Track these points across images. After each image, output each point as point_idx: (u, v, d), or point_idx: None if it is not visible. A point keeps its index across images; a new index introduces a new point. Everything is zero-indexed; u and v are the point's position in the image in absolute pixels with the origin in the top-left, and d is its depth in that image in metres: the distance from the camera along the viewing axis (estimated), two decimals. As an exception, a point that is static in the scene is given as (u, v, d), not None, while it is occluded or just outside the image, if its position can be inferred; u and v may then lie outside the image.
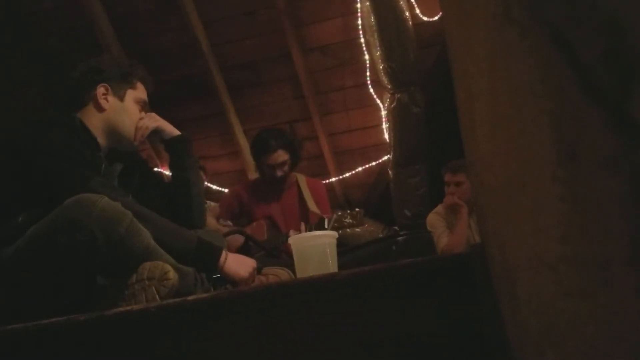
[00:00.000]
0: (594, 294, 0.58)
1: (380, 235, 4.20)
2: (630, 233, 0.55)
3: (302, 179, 3.41)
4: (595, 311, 0.58)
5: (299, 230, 3.07)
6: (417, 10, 4.26)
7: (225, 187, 4.96)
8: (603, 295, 0.57)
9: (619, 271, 0.56)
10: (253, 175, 4.95)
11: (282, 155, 3.21)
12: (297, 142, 3.35)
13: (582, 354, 0.60)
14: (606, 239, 0.57)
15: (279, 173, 3.24)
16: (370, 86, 4.58)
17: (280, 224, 3.26)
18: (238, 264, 1.75)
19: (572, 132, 0.58)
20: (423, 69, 4.14)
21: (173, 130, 1.97)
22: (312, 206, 3.25)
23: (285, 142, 3.23)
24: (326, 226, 2.87)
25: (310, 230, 2.97)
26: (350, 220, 2.87)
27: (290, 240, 1.62)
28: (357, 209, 2.97)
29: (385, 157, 4.43)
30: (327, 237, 1.60)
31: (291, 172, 3.33)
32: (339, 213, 2.94)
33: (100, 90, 1.86)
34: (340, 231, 2.77)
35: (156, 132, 1.94)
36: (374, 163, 4.97)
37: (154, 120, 1.94)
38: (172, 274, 1.49)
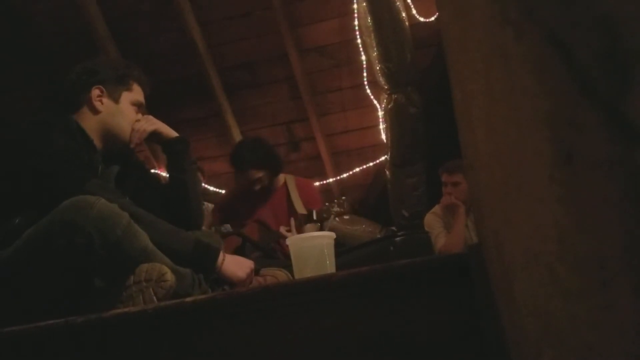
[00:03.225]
0: (591, 294, 0.58)
1: (378, 236, 4.20)
2: (627, 233, 0.56)
3: (291, 181, 3.43)
4: (593, 311, 0.58)
5: (289, 227, 3.09)
6: (414, 11, 4.26)
7: (222, 188, 4.95)
8: (600, 295, 0.57)
9: (616, 271, 0.56)
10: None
11: (255, 174, 3.26)
12: (274, 154, 3.38)
13: (580, 353, 0.60)
14: (603, 239, 0.57)
15: (256, 187, 3.29)
16: (367, 87, 4.58)
17: (271, 224, 3.28)
18: (236, 265, 1.75)
19: (568, 132, 0.58)
20: (420, 69, 4.15)
21: (171, 132, 1.96)
22: (299, 208, 3.26)
23: (259, 158, 3.27)
24: (314, 217, 2.89)
25: (300, 223, 3.00)
26: (337, 209, 2.90)
27: (288, 241, 1.62)
28: (342, 197, 3.01)
29: (383, 158, 4.43)
30: (324, 238, 1.59)
31: (273, 180, 3.36)
32: (327, 204, 2.98)
33: (95, 92, 1.85)
34: (329, 220, 2.80)
35: (154, 135, 1.94)
36: (371, 164, 4.97)
37: (152, 123, 1.93)
38: (170, 276, 1.49)
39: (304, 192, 3.38)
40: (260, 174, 3.26)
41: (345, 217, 3.10)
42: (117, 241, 1.48)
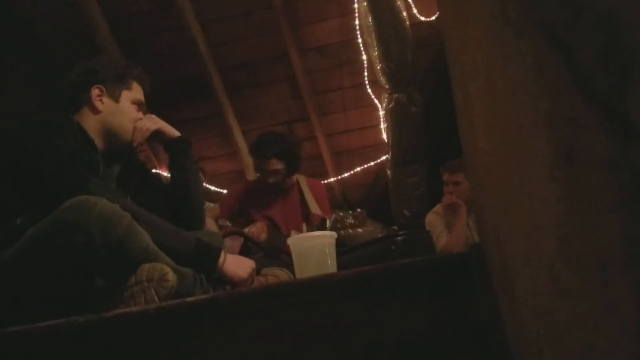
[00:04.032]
0: (592, 294, 0.58)
1: (379, 235, 4.20)
2: (627, 233, 0.56)
3: (302, 180, 3.42)
4: (593, 310, 0.58)
5: (300, 231, 3.08)
6: (415, 10, 4.26)
7: (223, 188, 4.96)
8: (601, 294, 0.58)
9: (617, 271, 0.56)
10: (251, 176, 4.96)
11: (275, 164, 3.23)
12: (297, 150, 3.35)
13: (580, 352, 0.60)
14: (603, 238, 0.57)
15: (271, 180, 3.26)
16: (368, 86, 4.58)
17: (281, 224, 3.27)
18: (237, 265, 1.75)
19: (568, 132, 0.58)
20: (421, 68, 4.15)
21: (173, 132, 1.96)
22: (314, 208, 3.25)
23: (283, 150, 3.24)
24: (328, 227, 2.88)
25: (312, 230, 2.99)
26: (352, 221, 2.89)
27: (289, 241, 1.62)
28: (359, 210, 2.99)
29: (384, 157, 4.43)
30: (326, 237, 1.59)
31: (288, 178, 3.34)
32: (341, 214, 2.96)
33: (95, 91, 1.85)
34: (342, 232, 2.78)
35: (156, 133, 1.94)
36: (372, 163, 4.98)
37: (154, 122, 1.93)
38: (171, 275, 1.49)
39: (314, 192, 3.38)
40: (279, 166, 3.24)
41: (359, 230, 3.09)
42: (119, 241, 1.48)
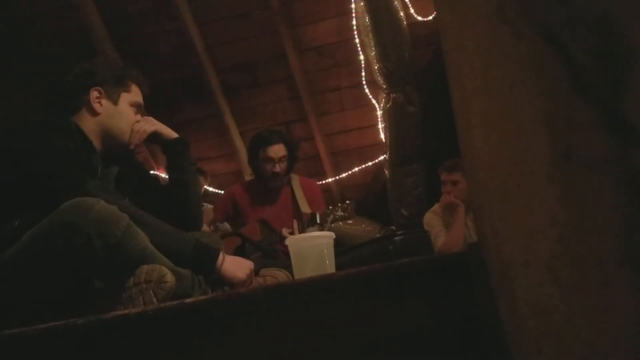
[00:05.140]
0: (590, 292, 0.58)
1: (377, 235, 4.20)
2: (626, 232, 0.56)
3: (295, 180, 3.42)
4: (591, 309, 0.58)
5: (291, 229, 3.08)
6: (412, 10, 4.26)
7: (221, 189, 4.95)
8: (599, 293, 0.58)
9: (614, 270, 0.56)
10: (249, 176, 4.96)
11: (282, 150, 3.26)
12: (295, 144, 3.39)
13: (579, 351, 0.60)
14: (601, 237, 0.57)
15: (277, 168, 3.26)
16: (365, 86, 4.58)
17: (275, 225, 3.26)
18: (235, 266, 1.75)
19: (566, 132, 0.58)
20: (418, 68, 4.15)
21: (171, 133, 1.96)
22: (304, 207, 3.25)
23: (285, 139, 3.32)
24: (318, 221, 2.89)
25: (303, 226, 3.00)
26: (342, 213, 2.90)
27: (288, 242, 1.62)
28: (347, 202, 3.00)
29: (382, 157, 4.43)
30: (324, 238, 1.60)
31: (287, 173, 3.35)
32: (330, 207, 2.97)
33: (94, 94, 1.85)
34: (332, 224, 2.80)
35: (154, 136, 1.93)
36: (370, 163, 4.98)
37: (152, 124, 1.93)
38: (170, 277, 1.49)
39: (307, 192, 3.38)
40: (285, 153, 3.26)
41: (349, 221, 3.10)
42: (117, 243, 1.48)
